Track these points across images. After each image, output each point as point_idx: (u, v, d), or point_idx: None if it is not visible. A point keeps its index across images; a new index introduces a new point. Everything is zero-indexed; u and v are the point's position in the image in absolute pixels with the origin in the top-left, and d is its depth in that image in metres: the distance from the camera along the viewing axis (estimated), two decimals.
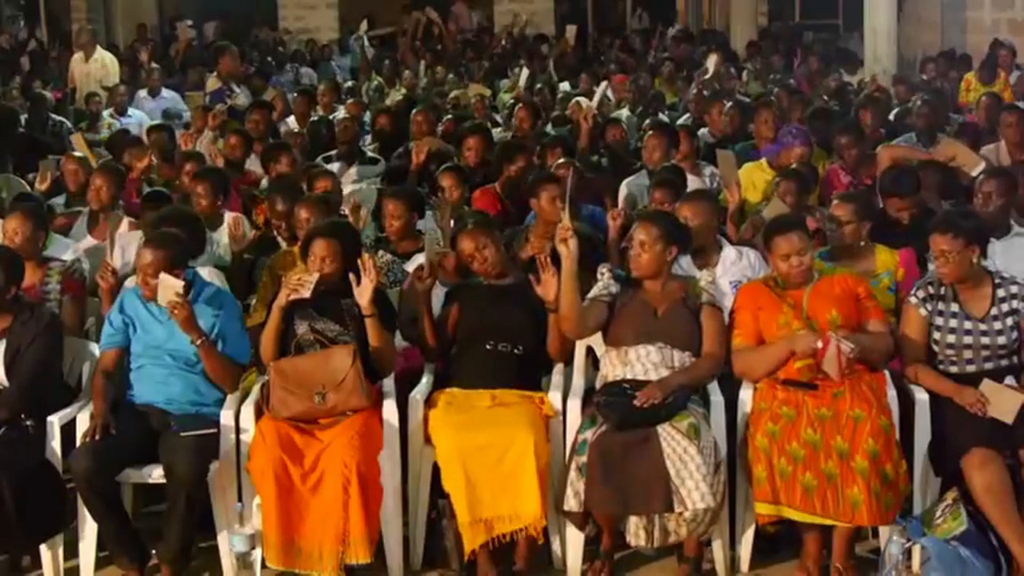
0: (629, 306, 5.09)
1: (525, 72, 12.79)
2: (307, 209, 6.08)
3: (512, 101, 11.19)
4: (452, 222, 5.99)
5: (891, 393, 4.91)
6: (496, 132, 9.53)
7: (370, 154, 9.04)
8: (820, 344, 4.82)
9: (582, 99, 10.47)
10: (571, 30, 16.79)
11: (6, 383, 5.06)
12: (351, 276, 5.08)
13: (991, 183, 6.01)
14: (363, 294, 5.05)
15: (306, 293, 5.05)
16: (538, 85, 12.36)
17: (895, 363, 5.15)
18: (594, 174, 7.76)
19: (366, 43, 16.36)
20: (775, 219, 5.43)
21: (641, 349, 5.00)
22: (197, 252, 5.78)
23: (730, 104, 9.57)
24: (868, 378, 4.90)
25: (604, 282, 5.17)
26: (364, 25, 16.90)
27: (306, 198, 6.34)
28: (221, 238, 6.60)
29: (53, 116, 11.01)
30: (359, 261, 5.12)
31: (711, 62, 12.58)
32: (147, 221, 6.21)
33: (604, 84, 10.90)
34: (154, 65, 14.02)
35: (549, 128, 9.64)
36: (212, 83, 11.49)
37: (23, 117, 10.61)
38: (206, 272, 5.64)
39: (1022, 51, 13.19)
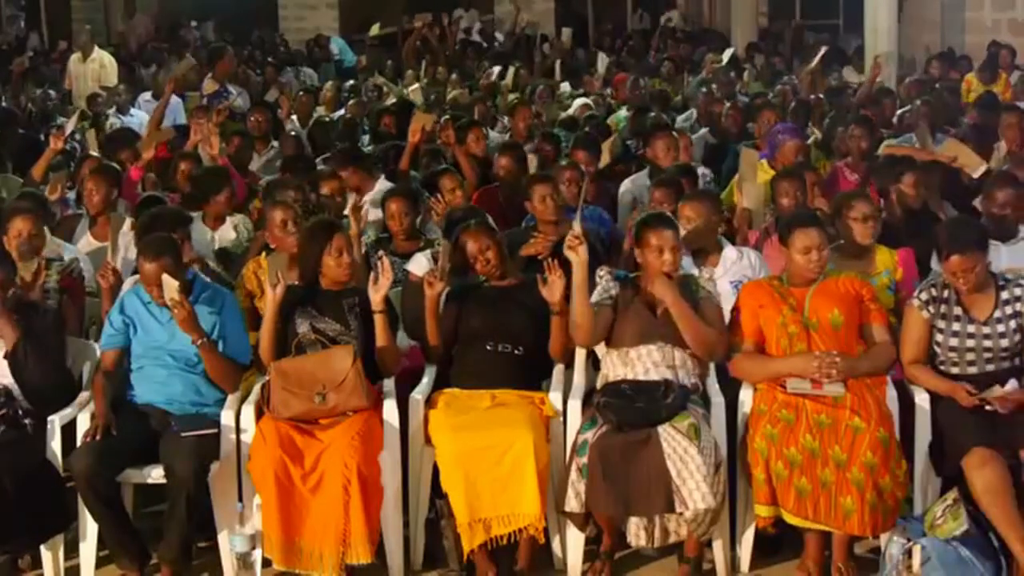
0: (629, 307, 5.08)
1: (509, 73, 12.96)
2: (283, 211, 5.86)
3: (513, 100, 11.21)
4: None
5: (891, 394, 4.91)
6: (495, 133, 9.53)
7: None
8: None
9: (586, 99, 10.47)
10: (566, 32, 16.87)
11: (8, 383, 5.06)
12: (371, 276, 5.10)
13: (1006, 191, 5.89)
14: (379, 290, 5.06)
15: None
16: (539, 86, 12.36)
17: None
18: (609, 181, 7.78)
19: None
20: (795, 214, 5.44)
21: (642, 349, 4.99)
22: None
23: (730, 104, 9.57)
24: (870, 382, 4.89)
25: (604, 285, 5.15)
26: (375, 28, 17.05)
27: (280, 200, 6.12)
28: (225, 235, 6.61)
29: (60, 116, 11.01)
30: (378, 262, 5.15)
31: (726, 54, 12.69)
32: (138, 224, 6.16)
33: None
34: (155, 68, 14.02)
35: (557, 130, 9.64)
36: (209, 85, 11.49)
37: (31, 111, 10.60)
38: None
39: (1022, 51, 13.20)
